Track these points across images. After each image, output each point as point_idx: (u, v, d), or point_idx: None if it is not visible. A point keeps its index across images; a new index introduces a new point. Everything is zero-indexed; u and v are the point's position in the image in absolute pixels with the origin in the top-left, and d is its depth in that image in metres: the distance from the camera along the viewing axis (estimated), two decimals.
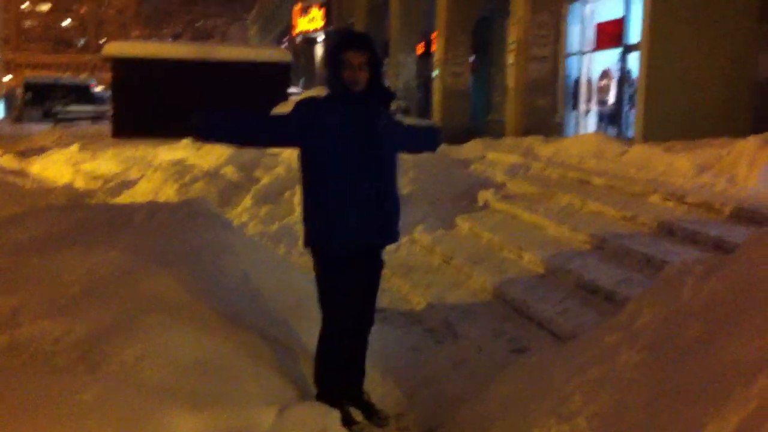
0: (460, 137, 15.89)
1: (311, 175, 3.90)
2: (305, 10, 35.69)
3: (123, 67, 20.59)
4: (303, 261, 7.72)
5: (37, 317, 3.88)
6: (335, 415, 3.64)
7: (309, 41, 37.28)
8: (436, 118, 19.35)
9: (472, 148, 13.69)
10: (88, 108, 32.62)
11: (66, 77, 41.69)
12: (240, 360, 3.91)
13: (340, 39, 3.93)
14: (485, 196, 9.45)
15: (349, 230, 3.82)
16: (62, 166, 14.64)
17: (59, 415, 3.20)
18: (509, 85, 15.88)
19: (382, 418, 4.12)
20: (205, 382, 3.61)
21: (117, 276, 4.33)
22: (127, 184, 11.72)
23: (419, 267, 7.69)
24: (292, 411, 3.52)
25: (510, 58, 15.83)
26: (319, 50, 36.48)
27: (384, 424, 4.10)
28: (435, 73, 20.14)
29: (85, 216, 5.13)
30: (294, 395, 3.94)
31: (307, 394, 4.02)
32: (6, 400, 3.26)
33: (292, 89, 24.07)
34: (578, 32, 19.09)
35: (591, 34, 18.74)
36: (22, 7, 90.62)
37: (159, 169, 10.98)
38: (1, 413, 3.18)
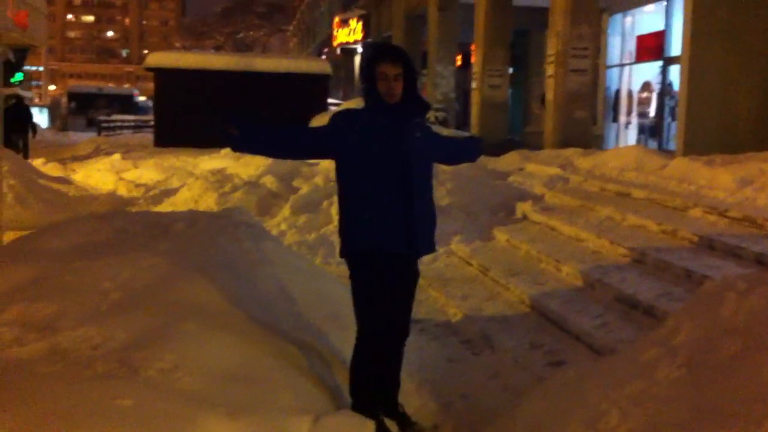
0: (499, 149, 15.85)
1: (345, 186, 3.94)
2: (344, 22, 35.93)
3: (165, 77, 20.88)
4: (340, 270, 7.74)
5: (77, 324, 3.95)
6: (370, 425, 3.64)
7: (348, 52, 37.51)
8: (474, 129, 19.34)
9: (510, 160, 13.65)
10: (131, 117, 33.10)
11: (109, 87, 42.40)
12: (276, 369, 3.93)
13: (374, 51, 3.95)
14: (523, 208, 9.41)
15: (378, 239, 3.84)
16: (105, 174, 14.87)
17: (99, 421, 3.25)
18: (548, 97, 15.82)
19: (417, 430, 4.11)
20: (241, 391, 3.64)
21: (156, 283, 4.39)
22: (169, 193, 11.87)
23: (456, 278, 7.67)
24: (327, 420, 3.53)
25: (549, 70, 15.77)
26: (358, 62, 36.65)
27: None
28: (473, 84, 20.14)
29: (126, 224, 5.21)
30: (329, 405, 3.95)
31: (343, 404, 4.03)
32: (46, 405, 3.32)
33: (332, 100, 24.21)
34: (618, 44, 19.04)
35: (631, 46, 18.67)
36: (67, 17, 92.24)
37: (199, 178, 11.10)
38: (42, 419, 3.23)
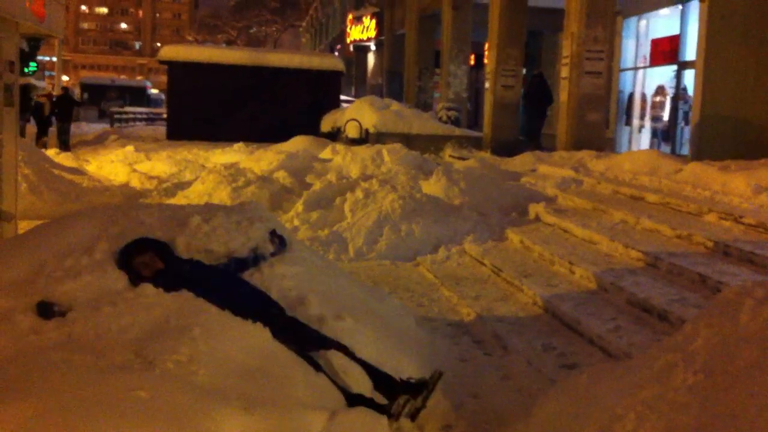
0: (511, 150, 15.83)
1: None
2: (358, 20, 35.93)
3: (178, 70, 20.91)
4: (352, 267, 7.77)
5: (94, 312, 3.96)
6: (383, 422, 3.64)
7: (361, 50, 37.49)
8: (486, 129, 19.31)
9: (522, 161, 13.63)
10: (143, 110, 33.19)
11: (122, 79, 42.51)
12: (290, 363, 3.93)
13: None
14: (536, 209, 9.40)
15: None
16: (118, 165, 14.90)
17: (115, 411, 3.26)
18: (561, 99, 15.77)
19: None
20: (257, 385, 3.65)
21: None
22: (182, 186, 11.88)
23: (468, 278, 7.66)
24: (342, 417, 3.54)
25: (563, 72, 15.72)
26: (371, 59, 36.64)
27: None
28: (486, 84, 20.10)
29: (143, 216, 5.21)
30: (343, 401, 3.95)
31: (356, 400, 4.03)
32: (64, 394, 3.33)
33: (344, 97, 24.21)
34: (633, 48, 18.97)
35: (645, 50, 18.60)
36: (81, 8, 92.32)
37: (213, 172, 11.11)
38: (60, 407, 3.25)
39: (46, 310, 3.97)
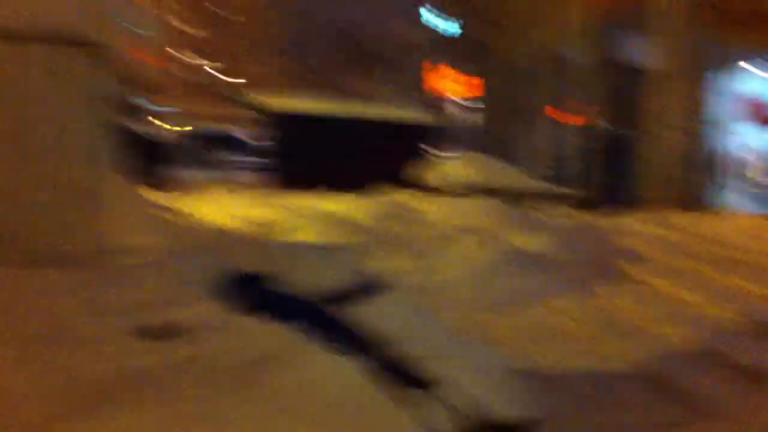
0: (602, 207, 15.72)
1: None
2: (451, 74, 36.31)
3: (278, 120, 21.56)
4: (442, 316, 7.81)
5: (195, 339, 4.20)
6: None
7: (459, 104, 37.87)
8: (579, 186, 19.23)
9: (612, 218, 13.51)
10: (244, 158, 34.11)
11: (223, 127, 43.83)
12: (378, 400, 4.04)
13: None
14: (624, 265, 9.32)
15: None
16: (217, 210, 15.27)
17: (214, 425, 3.46)
18: (648, 155, 15.61)
19: None
20: (344, 418, 3.77)
21: None
22: (279, 233, 12.11)
23: (554, 333, 7.60)
24: None
25: (651, 128, 15.59)
26: (470, 114, 36.89)
27: None
28: (578, 142, 20.08)
29: (244, 252, 5.50)
30: None
31: None
32: (167, 408, 3.55)
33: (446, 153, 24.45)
34: (724, 104, 18.62)
35: (738, 106, 18.23)
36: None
37: (316, 219, 11.32)
38: (163, 419, 3.47)
39: (149, 334, 4.23)
